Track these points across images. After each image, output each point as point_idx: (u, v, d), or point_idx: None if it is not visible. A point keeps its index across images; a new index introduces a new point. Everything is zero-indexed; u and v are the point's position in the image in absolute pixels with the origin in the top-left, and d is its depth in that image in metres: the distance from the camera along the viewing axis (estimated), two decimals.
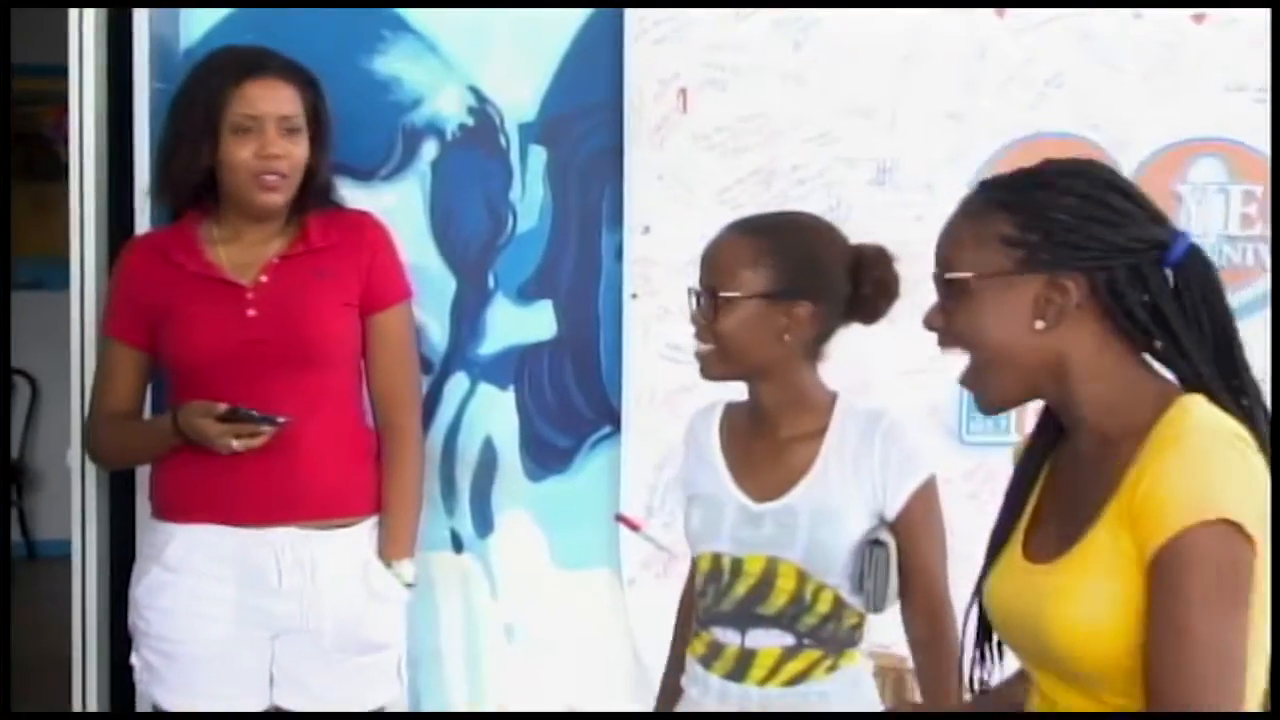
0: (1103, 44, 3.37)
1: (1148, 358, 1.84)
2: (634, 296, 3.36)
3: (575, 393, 3.43)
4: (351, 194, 3.23)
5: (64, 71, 3.25)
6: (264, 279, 3.01)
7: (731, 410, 2.60)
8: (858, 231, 2.55)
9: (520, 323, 3.41)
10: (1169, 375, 1.83)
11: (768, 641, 2.46)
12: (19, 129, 7.03)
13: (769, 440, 2.51)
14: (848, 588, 2.45)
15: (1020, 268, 1.80)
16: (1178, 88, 3.38)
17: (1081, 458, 1.84)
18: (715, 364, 2.47)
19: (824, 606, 2.45)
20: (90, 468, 3.27)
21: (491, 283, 3.41)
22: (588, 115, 3.37)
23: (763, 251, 2.43)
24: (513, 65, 3.36)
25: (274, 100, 2.98)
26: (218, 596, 2.99)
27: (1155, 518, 1.68)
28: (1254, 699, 1.76)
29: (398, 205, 3.33)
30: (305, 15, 3.28)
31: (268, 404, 2.92)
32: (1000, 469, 2.08)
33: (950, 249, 1.87)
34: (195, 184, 3.03)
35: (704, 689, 2.52)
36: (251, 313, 2.99)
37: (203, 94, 2.99)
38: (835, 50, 3.34)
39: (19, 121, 7.01)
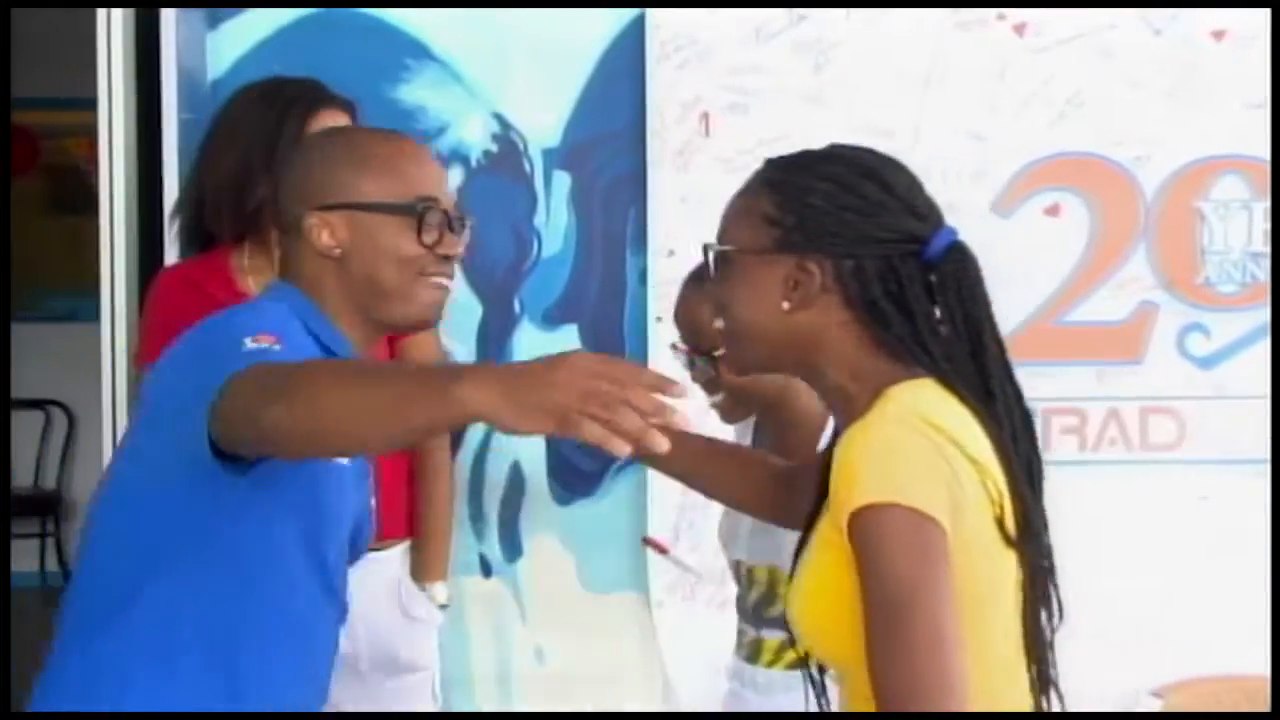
0: (1123, 62, 3.37)
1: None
2: (659, 320, 3.36)
3: None
4: None
5: (94, 104, 3.29)
6: None
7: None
8: None
9: (546, 347, 3.42)
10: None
11: (773, 635, 2.54)
12: (53, 161, 7.09)
13: None
14: None
15: (776, 247, 1.81)
16: (1198, 105, 3.37)
17: None
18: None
19: None
20: None
21: (517, 307, 3.43)
22: (610, 140, 3.39)
23: None
24: (536, 92, 3.38)
25: None
26: None
27: (837, 506, 1.69)
28: (1012, 697, 1.74)
29: None
30: (330, 45, 3.32)
31: None
32: None
33: (724, 222, 1.90)
34: (244, 214, 3.04)
35: (730, 668, 2.63)
36: None
37: (263, 124, 2.95)
38: (856, 72, 3.36)
39: (53, 154, 7.08)
